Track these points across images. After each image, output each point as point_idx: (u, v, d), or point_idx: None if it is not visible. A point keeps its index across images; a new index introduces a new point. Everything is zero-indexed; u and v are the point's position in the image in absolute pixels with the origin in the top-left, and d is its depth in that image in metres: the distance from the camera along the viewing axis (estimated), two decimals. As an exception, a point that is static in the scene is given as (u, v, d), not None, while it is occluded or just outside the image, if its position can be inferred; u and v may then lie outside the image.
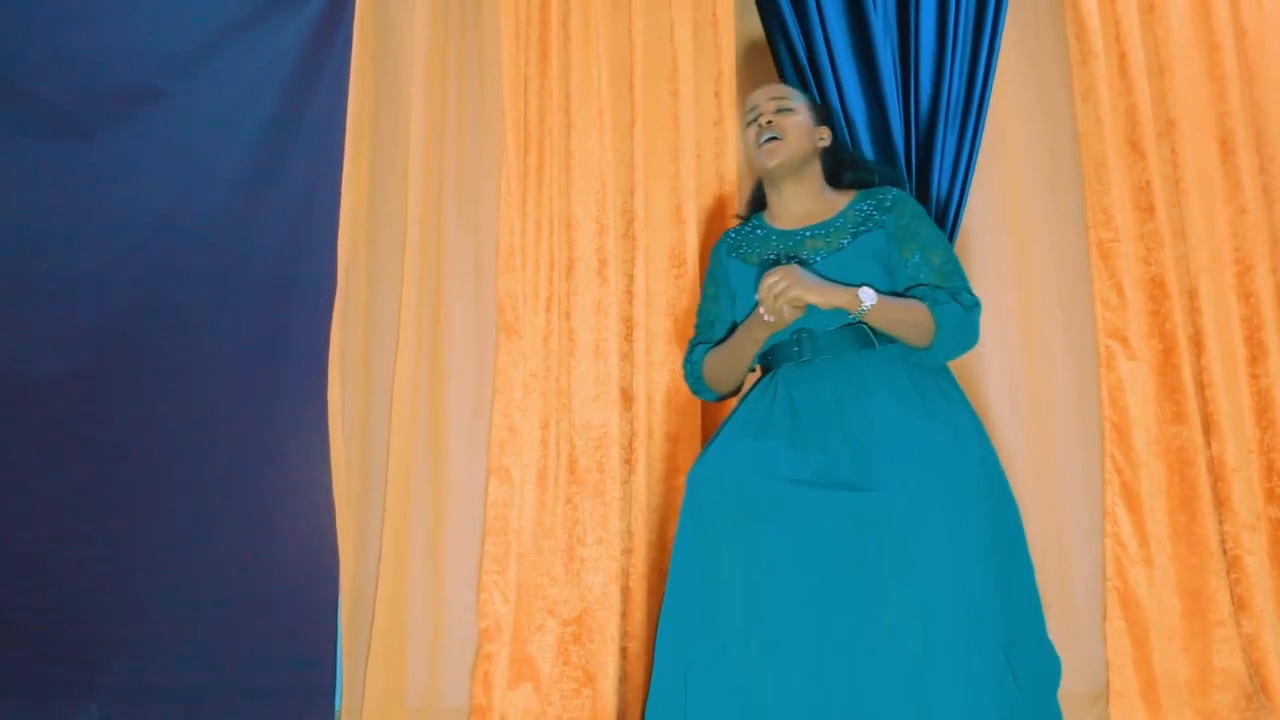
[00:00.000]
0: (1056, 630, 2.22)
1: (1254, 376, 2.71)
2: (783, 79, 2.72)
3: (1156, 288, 2.71)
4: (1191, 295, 2.73)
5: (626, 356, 2.70)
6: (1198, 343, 2.70)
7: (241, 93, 2.71)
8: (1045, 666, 2.00)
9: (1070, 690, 2.28)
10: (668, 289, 2.73)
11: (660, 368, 2.70)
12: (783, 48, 2.71)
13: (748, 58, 2.89)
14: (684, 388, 2.68)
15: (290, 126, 2.71)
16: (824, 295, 2.00)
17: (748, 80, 2.85)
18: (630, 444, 2.66)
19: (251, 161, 2.70)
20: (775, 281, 1.98)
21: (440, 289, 2.80)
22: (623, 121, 2.78)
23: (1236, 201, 2.75)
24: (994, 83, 2.72)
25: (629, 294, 2.71)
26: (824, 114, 2.38)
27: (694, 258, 2.70)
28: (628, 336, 2.71)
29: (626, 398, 2.68)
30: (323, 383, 2.60)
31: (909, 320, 2.05)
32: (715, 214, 2.75)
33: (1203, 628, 2.59)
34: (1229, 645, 2.56)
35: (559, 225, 2.75)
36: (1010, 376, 2.81)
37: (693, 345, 2.34)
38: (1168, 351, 2.69)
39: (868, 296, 2.02)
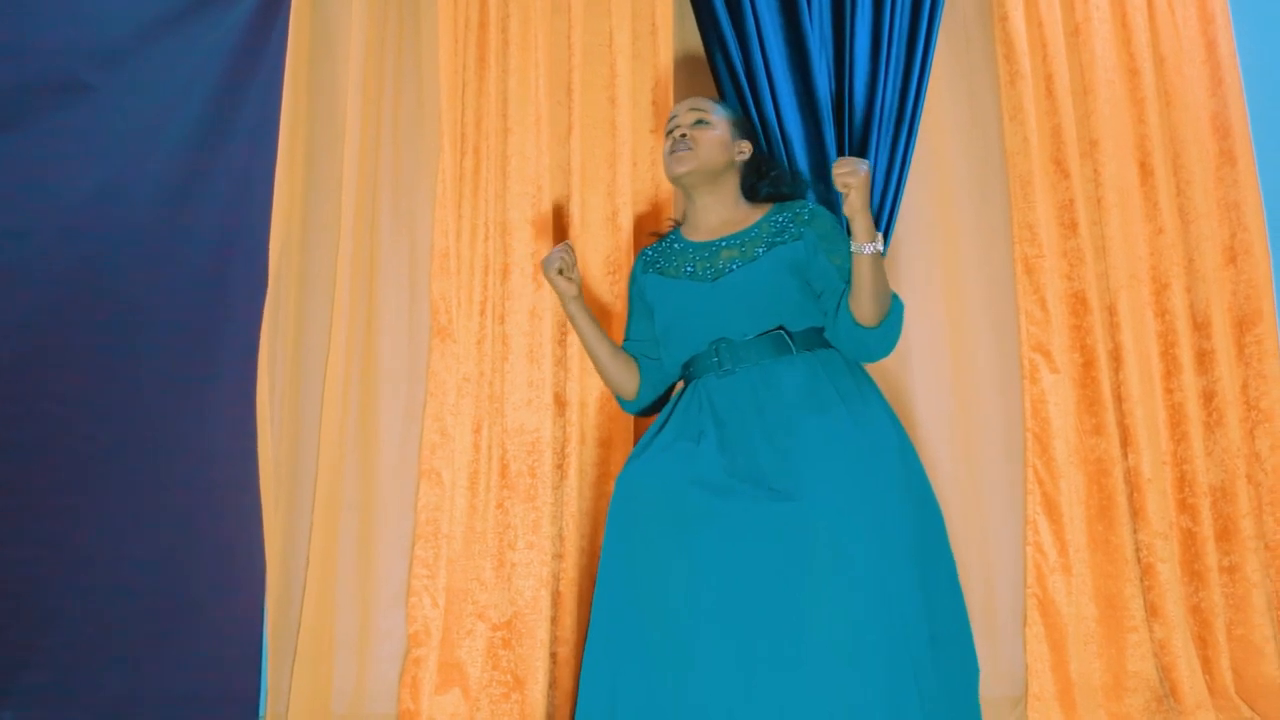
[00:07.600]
0: (979, 636, 2.27)
1: (1169, 390, 2.80)
2: (719, 89, 2.75)
3: (1078, 303, 2.78)
4: (1111, 311, 2.80)
5: (560, 362, 2.70)
6: (1116, 357, 2.78)
7: (173, 88, 2.65)
8: (969, 662, 2.05)
9: (991, 694, 2.33)
10: (603, 295, 2.73)
11: (593, 374, 2.70)
12: (719, 58, 2.74)
13: (686, 67, 2.91)
14: (617, 393, 2.70)
15: (223, 123, 2.65)
16: (867, 213, 2.04)
17: (685, 89, 2.88)
18: (562, 449, 2.66)
19: (183, 158, 2.65)
20: (847, 172, 2.02)
21: (373, 291, 2.78)
22: (560, 127, 2.78)
23: (1154, 221, 2.83)
24: (926, 98, 2.77)
25: (564, 299, 2.72)
26: (746, 128, 2.42)
27: (629, 264, 2.71)
28: (561, 341, 2.72)
29: (559, 403, 2.68)
30: (252, 383, 2.56)
31: (886, 288, 2.10)
32: (651, 221, 2.76)
33: (1117, 633, 2.66)
34: (1141, 650, 2.63)
35: (494, 229, 2.74)
36: (938, 386, 2.86)
37: None
38: (1088, 365, 2.76)
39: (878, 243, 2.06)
